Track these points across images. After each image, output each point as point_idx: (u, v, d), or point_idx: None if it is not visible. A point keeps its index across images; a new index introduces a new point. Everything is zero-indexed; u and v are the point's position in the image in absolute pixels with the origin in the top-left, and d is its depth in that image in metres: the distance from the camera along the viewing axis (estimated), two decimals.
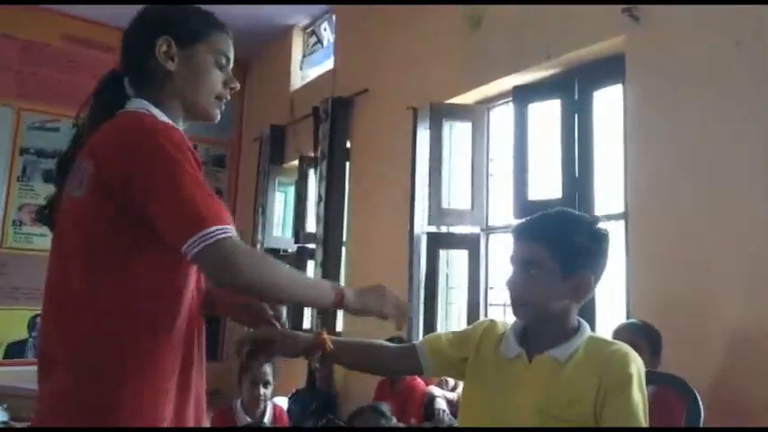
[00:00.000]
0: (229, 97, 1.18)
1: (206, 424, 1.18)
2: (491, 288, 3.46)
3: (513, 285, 1.28)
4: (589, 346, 1.23)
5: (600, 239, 1.27)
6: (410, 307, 1.19)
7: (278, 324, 1.27)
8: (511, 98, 3.34)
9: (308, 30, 5.39)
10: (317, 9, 5.10)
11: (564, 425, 1.16)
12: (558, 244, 1.24)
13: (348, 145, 4.45)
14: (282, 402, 3.52)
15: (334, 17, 4.97)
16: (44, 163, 5.06)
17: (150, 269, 1.01)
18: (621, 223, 2.69)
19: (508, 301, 1.30)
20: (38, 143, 5.06)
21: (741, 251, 2.22)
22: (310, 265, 4.59)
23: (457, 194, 3.72)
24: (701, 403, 1.79)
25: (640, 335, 2.01)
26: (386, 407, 2.64)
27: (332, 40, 5.00)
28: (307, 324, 4.59)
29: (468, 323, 3.42)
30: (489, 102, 3.60)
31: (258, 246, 5.00)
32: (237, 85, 1.19)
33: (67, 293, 1.01)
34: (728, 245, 2.26)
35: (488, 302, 3.45)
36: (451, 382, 3.14)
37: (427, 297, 3.66)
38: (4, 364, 4.78)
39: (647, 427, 1.11)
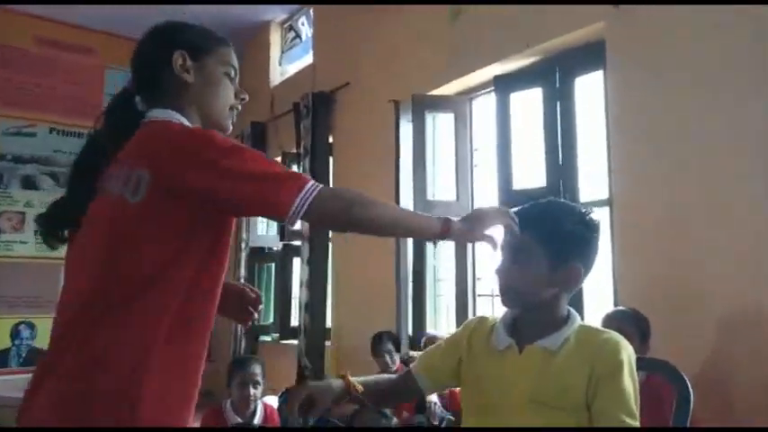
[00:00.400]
0: (240, 108, 1.24)
1: (195, 424, 1.19)
2: (479, 279, 3.46)
3: (501, 273, 1.28)
4: (580, 336, 1.23)
5: (589, 229, 1.27)
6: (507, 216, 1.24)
7: (255, 311, 1.31)
8: (492, 88, 3.33)
9: (286, 25, 5.33)
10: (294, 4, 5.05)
11: (557, 413, 1.16)
12: (547, 232, 1.24)
13: (330, 140, 4.42)
14: (273, 401, 3.49)
15: (311, 11, 4.92)
16: (22, 169, 4.97)
17: (198, 271, 1.05)
18: (606, 210, 2.70)
19: (497, 291, 1.30)
20: (14, 149, 4.97)
21: (727, 236, 2.23)
22: (296, 262, 4.56)
23: (441, 186, 3.71)
24: (690, 389, 1.80)
25: (630, 322, 2.01)
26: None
27: (310, 35, 4.96)
28: (294, 320, 4.57)
29: (457, 315, 3.43)
30: (471, 92, 3.59)
31: (243, 245, 4.96)
32: (247, 97, 1.24)
33: (105, 295, 1.02)
34: (714, 230, 2.27)
35: (476, 293, 3.45)
36: None
37: (415, 290, 3.65)
38: None
39: (644, 427, 1.10)
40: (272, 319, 5.00)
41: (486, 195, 3.49)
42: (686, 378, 1.84)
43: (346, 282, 4.12)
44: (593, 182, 2.92)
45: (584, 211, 1.29)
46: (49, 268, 4.81)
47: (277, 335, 4.77)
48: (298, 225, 4.53)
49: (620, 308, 2.23)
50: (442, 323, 3.66)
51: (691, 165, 2.37)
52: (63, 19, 5.11)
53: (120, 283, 1.02)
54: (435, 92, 3.59)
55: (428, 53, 3.61)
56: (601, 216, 1.33)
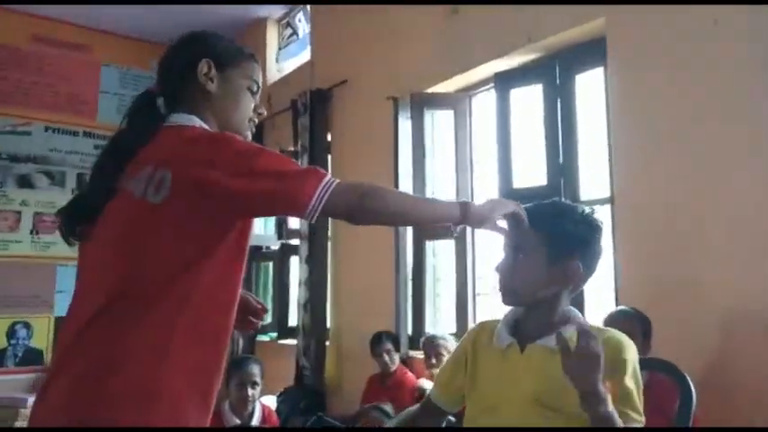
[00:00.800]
0: (257, 121, 1.27)
1: None
2: (478, 278, 3.44)
3: (500, 270, 1.30)
4: None
5: (591, 229, 1.28)
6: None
7: (259, 320, 1.33)
8: (492, 85, 3.30)
9: (283, 21, 5.30)
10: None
11: (556, 415, 1.16)
12: (547, 230, 1.25)
13: (329, 138, 4.39)
14: (271, 401, 3.48)
15: (309, 8, 4.89)
16: (17, 167, 4.92)
17: (217, 273, 1.07)
18: (607, 208, 2.68)
19: (497, 289, 1.33)
20: (9, 148, 4.92)
21: (730, 233, 2.21)
22: (294, 261, 4.53)
23: (441, 184, 3.68)
24: (693, 388, 1.79)
25: (632, 322, 2.00)
26: (389, 407, 2.61)
27: (308, 32, 4.92)
28: (292, 320, 4.54)
29: (457, 314, 3.41)
30: (471, 89, 3.56)
31: None
32: (264, 112, 1.28)
33: (122, 296, 1.02)
34: (716, 227, 2.25)
35: (476, 292, 3.43)
36: None
37: (415, 289, 3.63)
38: None
39: (646, 428, 1.10)
40: (269, 319, 4.98)
41: (486, 194, 3.47)
42: (688, 378, 1.83)
43: (345, 281, 4.09)
44: (594, 180, 2.90)
45: (586, 211, 1.30)
46: (46, 268, 4.80)
47: (275, 334, 4.75)
48: (296, 224, 4.51)
49: (622, 308, 2.22)
50: (441, 322, 3.64)
51: (692, 163, 2.35)
52: (58, 17, 5.07)
53: (139, 283, 1.02)
54: (434, 89, 3.56)
55: (427, 50, 3.58)
56: (602, 215, 1.34)
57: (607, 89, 2.75)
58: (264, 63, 5.24)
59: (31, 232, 4.86)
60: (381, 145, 3.77)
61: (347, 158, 4.23)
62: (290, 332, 4.52)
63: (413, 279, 3.63)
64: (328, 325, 4.14)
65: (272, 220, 5.11)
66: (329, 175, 1.06)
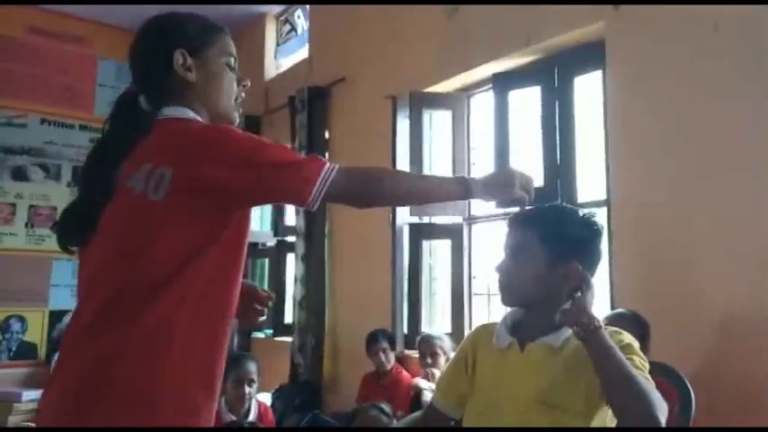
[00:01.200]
0: (243, 95, 1.24)
1: None
2: (474, 278, 3.45)
3: (499, 270, 1.31)
4: None
5: (591, 231, 1.30)
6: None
7: (265, 306, 1.34)
8: (491, 85, 3.31)
9: (282, 18, 5.28)
10: None
11: (557, 413, 1.17)
12: (547, 231, 1.26)
13: (327, 135, 4.38)
14: (266, 398, 3.48)
15: (307, 5, 4.87)
16: (12, 160, 4.89)
17: (218, 267, 1.07)
18: (604, 210, 2.69)
19: (493, 290, 1.34)
20: (4, 140, 4.89)
21: (726, 237, 2.23)
22: (290, 258, 4.53)
23: None
24: (691, 391, 1.80)
25: (629, 325, 1.99)
26: (387, 406, 2.61)
27: (306, 28, 4.91)
28: (288, 317, 4.54)
29: (453, 313, 3.42)
30: (469, 89, 3.56)
31: None
32: (248, 82, 1.25)
33: (124, 293, 1.02)
34: (713, 230, 2.27)
35: (472, 292, 3.44)
36: (437, 373, 3.13)
37: (411, 288, 3.64)
38: None
39: (646, 428, 1.10)
40: (265, 316, 4.97)
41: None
42: (687, 380, 1.85)
43: (341, 279, 4.09)
44: (590, 182, 2.91)
45: (586, 214, 1.32)
46: (40, 261, 4.78)
47: (270, 331, 4.74)
48: (292, 221, 4.51)
49: (620, 310, 2.23)
50: (437, 322, 3.65)
51: (690, 165, 2.36)
52: (55, 8, 5.04)
53: (140, 279, 1.02)
54: (433, 88, 3.56)
55: (426, 49, 3.58)
56: (598, 217, 1.36)
57: (605, 92, 2.76)
58: (262, 59, 5.23)
59: (26, 225, 4.83)
60: (379, 143, 3.77)
61: (345, 156, 4.22)
62: (286, 329, 4.51)
63: (409, 278, 3.64)
64: (327, 322, 4.14)
65: (268, 218, 5.10)
66: (328, 163, 1.07)
